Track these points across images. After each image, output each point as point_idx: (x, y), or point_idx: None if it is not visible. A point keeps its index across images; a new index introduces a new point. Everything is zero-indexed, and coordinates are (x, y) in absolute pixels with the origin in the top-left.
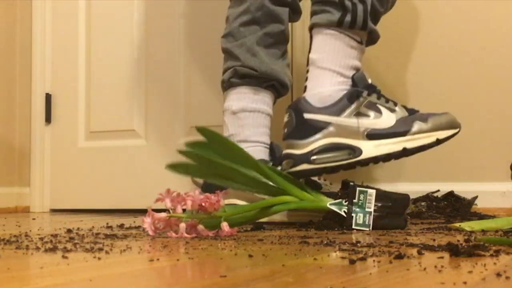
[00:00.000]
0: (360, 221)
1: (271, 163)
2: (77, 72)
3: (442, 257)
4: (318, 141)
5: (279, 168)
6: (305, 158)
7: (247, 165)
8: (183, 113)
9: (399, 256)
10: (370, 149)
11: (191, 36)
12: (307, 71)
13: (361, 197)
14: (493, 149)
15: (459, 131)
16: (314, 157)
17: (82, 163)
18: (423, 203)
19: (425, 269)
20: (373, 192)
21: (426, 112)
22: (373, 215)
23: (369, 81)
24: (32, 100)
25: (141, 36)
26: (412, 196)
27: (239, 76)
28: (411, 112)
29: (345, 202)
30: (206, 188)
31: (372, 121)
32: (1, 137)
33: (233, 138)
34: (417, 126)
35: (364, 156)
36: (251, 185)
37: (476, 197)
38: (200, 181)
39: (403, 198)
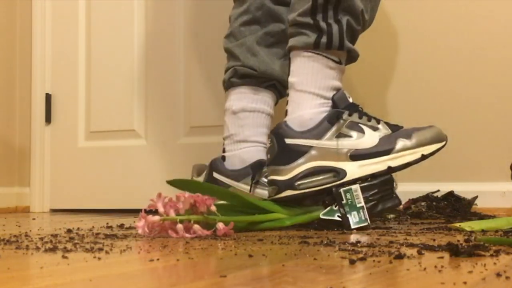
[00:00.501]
0: (357, 219)
1: None
2: (77, 72)
3: (442, 257)
4: (301, 165)
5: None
6: (289, 184)
7: (228, 199)
8: (183, 113)
9: (399, 256)
10: (354, 170)
11: (191, 36)
12: (287, 95)
13: (348, 196)
14: (493, 149)
15: (445, 144)
16: (298, 182)
17: (82, 163)
18: (423, 203)
19: (425, 269)
20: (357, 187)
21: (410, 128)
22: (366, 208)
23: (350, 100)
24: (32, 100)
25: (141, 36)
26: (412, 196)
27: (239, 76)
28: (395, 128)
29: (335, 207)
30: None
31: (355, 142)
32: (1, 137)
33: (233, 138)
34: (401, 143)
35: (348, 177)
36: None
37: (476, 197)
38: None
39: (387, 179)
